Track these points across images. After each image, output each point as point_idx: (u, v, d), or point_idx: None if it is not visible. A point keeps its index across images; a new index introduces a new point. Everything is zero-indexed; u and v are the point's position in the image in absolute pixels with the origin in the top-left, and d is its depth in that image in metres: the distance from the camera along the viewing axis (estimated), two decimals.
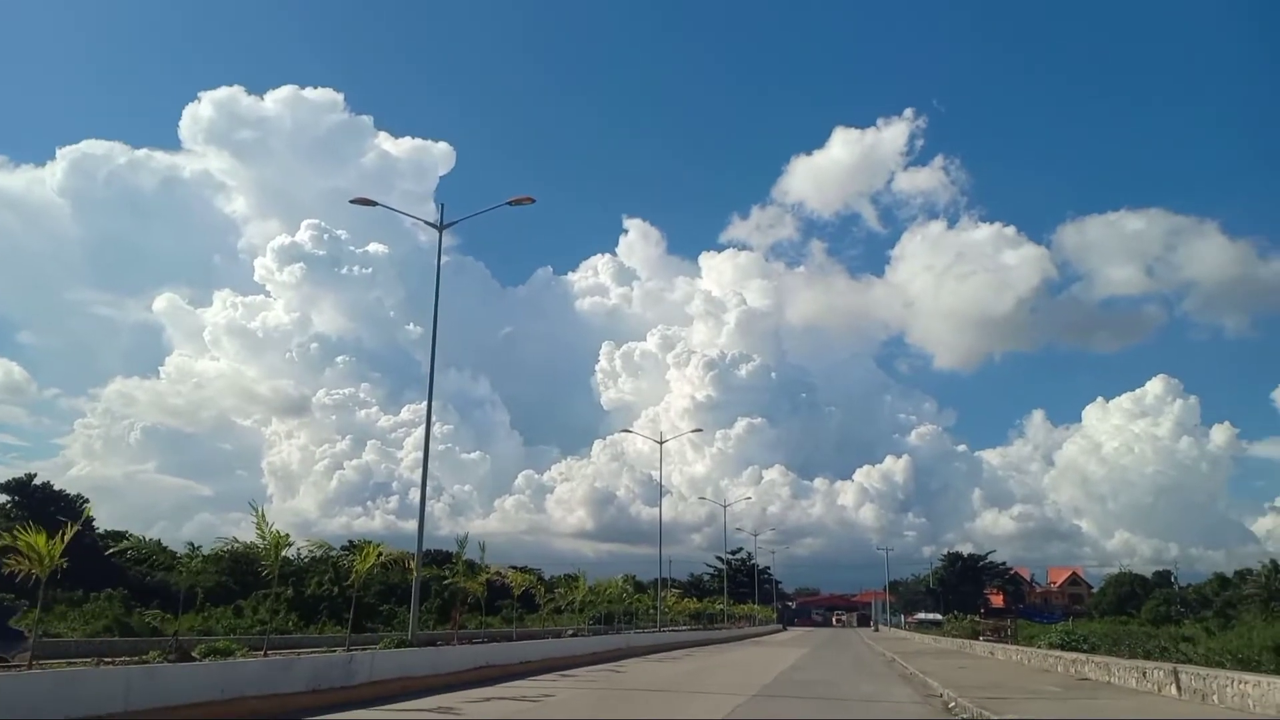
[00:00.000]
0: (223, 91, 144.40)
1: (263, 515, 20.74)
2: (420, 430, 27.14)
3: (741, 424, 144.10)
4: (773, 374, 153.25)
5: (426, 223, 28.55)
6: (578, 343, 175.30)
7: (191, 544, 23.22)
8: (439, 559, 57.13)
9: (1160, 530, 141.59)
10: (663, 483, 63.64)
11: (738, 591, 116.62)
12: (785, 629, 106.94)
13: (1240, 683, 15.31)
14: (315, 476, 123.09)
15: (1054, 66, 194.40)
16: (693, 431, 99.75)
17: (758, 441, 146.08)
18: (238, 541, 22.46)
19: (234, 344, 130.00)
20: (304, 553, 34.16)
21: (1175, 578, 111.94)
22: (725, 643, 57.98)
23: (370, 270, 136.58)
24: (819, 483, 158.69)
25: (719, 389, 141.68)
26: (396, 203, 39.82)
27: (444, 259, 29.29)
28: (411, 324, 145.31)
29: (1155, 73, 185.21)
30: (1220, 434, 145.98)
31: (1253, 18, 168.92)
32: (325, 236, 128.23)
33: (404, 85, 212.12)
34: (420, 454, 27.25)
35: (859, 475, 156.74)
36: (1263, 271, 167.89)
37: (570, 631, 43.67)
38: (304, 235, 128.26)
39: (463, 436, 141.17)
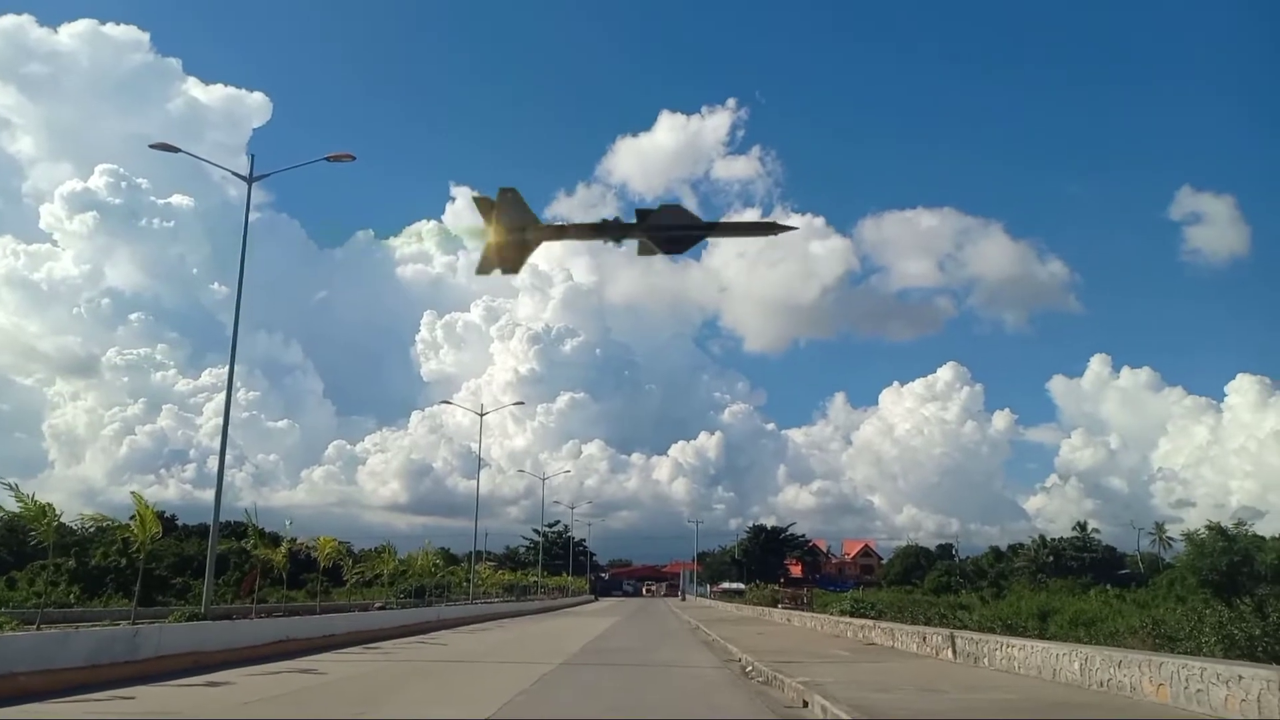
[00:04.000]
0: (9, 20, 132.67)
1: (18, 489, 18.89)
2: (222, 395, 25.69)
3: (564, 398, 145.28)
4: (596, 350, 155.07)
5: (235, 174, 26.80)
6: (398, 311, 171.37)
7: None
8: (240, 531, 54.47)
9: (945, 506, 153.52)
10: (481, 455, 63.03)
11: (553, 564, 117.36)
12: (598, 600, 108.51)
13: (1008, 646, 16.79)
14: (104, 442, 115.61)
15: (864, 68, 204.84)
16: (514, 405, 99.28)
17: (579, 416, 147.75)
18: (1, 510, 20.39)
19: (13, 296, 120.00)
20: (86, 522, 31.69)
21: (956, 551, 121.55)
22: (538, 614, 58.35)
23: (172, 223, 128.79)
24: (636, 457, 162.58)
25: (542, 363, 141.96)
26: (206, 154, 37.53)
27: (255, 215, 27.78)
28: (217, 283, 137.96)
29: (949, 79, 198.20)
30: (1001, 420, 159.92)
31: (1042, 42, 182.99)
32: (123, 184, 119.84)
33: (218, 29, 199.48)
34: (221, 420, 25.86)
35: (674, 451, 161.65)
36: (1039, 272, 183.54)
37: (378, 605, 42.71)
38: (99, 181, 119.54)
39: (270, 404, 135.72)
